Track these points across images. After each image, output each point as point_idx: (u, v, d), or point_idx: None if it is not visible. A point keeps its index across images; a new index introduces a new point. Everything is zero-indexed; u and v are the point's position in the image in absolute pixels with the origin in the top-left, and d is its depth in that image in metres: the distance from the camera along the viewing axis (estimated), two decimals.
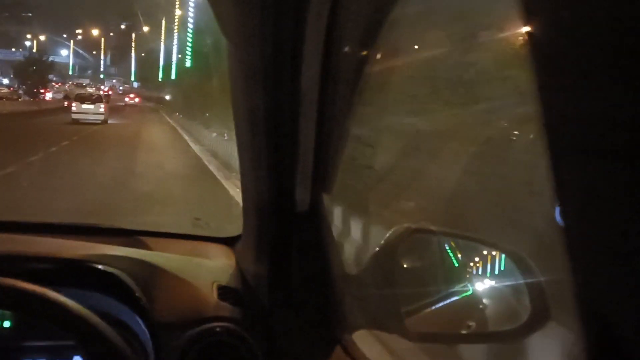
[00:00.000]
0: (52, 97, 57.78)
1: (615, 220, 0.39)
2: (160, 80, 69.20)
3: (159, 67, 71.40)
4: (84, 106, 26.81)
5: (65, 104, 40.74)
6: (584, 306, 0.41)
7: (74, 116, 26.52)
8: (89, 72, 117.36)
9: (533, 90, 0.42)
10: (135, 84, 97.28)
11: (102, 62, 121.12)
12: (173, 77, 55.52)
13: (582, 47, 0.39)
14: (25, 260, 1.37)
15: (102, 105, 27.88)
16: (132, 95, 71.88)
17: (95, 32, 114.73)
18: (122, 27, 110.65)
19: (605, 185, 0.39)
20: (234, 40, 1.23)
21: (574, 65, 0.40)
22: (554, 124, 0.42)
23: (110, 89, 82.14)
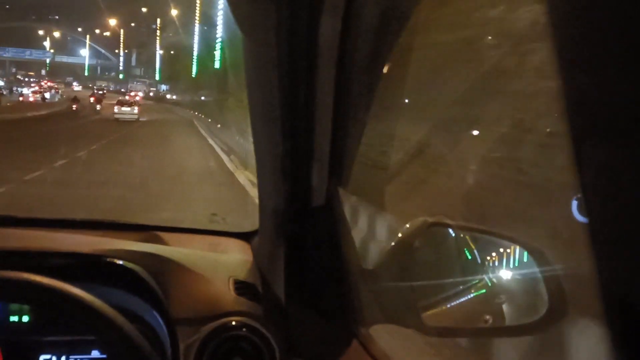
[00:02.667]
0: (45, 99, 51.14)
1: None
2: (194, 76, 55.49)
3: (191, 60, 56.63)
4: (123, 109, 36.79)
5: (74, 107, 38.21)
6: (610, 299, 0.40)
7: (116, 116, 35.51)
8: (112, 73, 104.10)
9: (555, 77, 0.42)
10: (163, 87, 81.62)
11: (121, 58, 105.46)
12: (217, 65, 40.68)
13: (607, 29, 0.39)
14: (44, 255, 1.38)
15: (136, 108, 37.59)
16: (132, 94, 67.80)
17: (113, 22, 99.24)
18: (144, 10, 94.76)
19: (630, 172, 0.38)
20: (250, 35, 1.23)
21: (596, 49, 0.40)
22: (576, 111, 0.41)
23: (104, 88, 76.35)
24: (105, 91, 67.85)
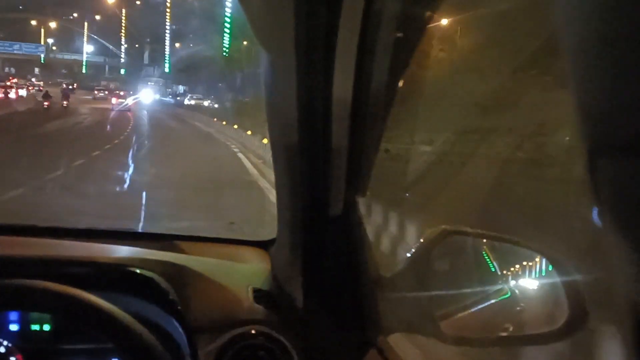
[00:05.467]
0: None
1: None
2: (226, 53, 35.85)
3: (220, 39, 36.30)
4: (119, 100, 41.33)
5: (46, 104, 33.29)
6: (628, 307, 0.40)
7: (113, 107, 38.23)
8: (120, 72, 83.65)
9: (568, 87, 0.41)
10: (181, 88, 61.75)
11: (122, 47, 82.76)
12: None
13: (623, 39, 0.39)
14: (63, 264, 1.39)
15: (130, 101, 42.55)
16: (99, 86, 57.05)
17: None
18: None
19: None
20: (267, 45, 1.24)
21: (612, 59, 0.39)
22: (589, 121, 0.41)
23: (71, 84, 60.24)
24: (75, 86, 59.17)
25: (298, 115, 1.22)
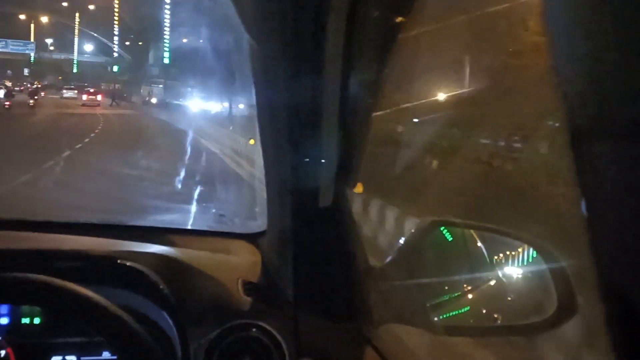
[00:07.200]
0: None
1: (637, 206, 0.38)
2: None
3: None
4: (90, 97, 43.20)
5: (7, 104, 29.06)
6: (607, 291, 0.41)
7: (84, 102, 41.13)
8: (125, 73, 70.08)
9: (551, 77, 0.42)
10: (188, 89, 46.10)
11: (115, 37, 69.90)
12: None
13: (608, 28, 0.39)
14: (54, 257, 1.39)
15: (99, 97, 44.32)
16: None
17: None
18: None
19: (630, 170, 0.38)
20: (255, 37, 1.24)
21: (597, 47, 0.40)
22: (574, 109, 0.41)
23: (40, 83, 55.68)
24: (40, 85, 53.93)
25: (287, 107, 1.22)
